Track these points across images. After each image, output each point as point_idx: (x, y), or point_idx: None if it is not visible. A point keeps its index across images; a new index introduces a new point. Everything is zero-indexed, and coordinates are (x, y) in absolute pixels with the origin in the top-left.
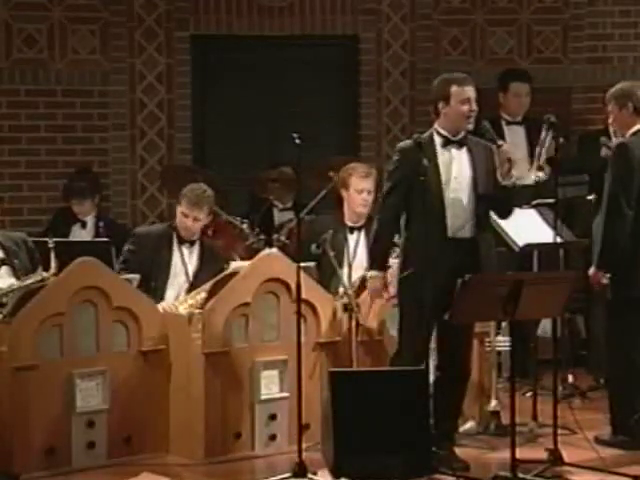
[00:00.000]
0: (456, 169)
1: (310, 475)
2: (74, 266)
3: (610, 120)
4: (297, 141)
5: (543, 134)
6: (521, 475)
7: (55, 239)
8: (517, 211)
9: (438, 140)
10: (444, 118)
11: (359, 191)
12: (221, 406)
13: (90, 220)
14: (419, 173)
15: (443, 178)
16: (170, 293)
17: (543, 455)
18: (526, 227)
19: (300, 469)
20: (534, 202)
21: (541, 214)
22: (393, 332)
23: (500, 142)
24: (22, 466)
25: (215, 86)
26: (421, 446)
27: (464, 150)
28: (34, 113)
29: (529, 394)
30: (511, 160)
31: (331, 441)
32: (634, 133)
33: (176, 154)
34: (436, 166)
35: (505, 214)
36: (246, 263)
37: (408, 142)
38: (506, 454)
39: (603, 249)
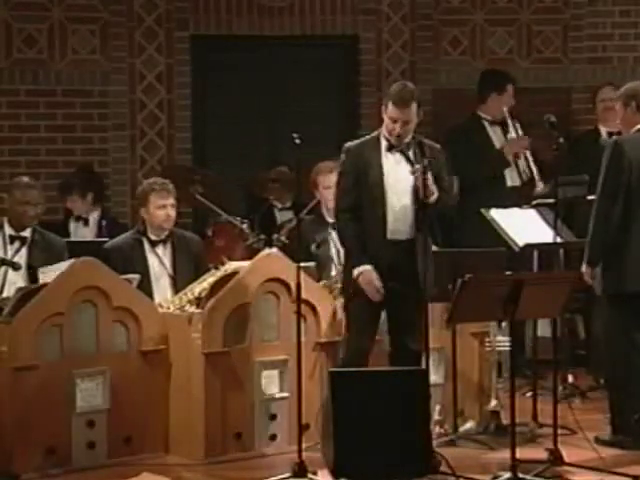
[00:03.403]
0: (399, 173)
1: (310, 475)
2: (74, 266)
3: (618, 120)
4: (297, 141)
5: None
6: (521, 475)
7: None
8: (517, 211)
9: (384, 143)
10: (385, 123)
11: (328, 187)
12: (221, 406)
13: (92, 218)
14: (364, 174)
15: (386, 181)
16: (158, 298)
17: (543, 455)
18: (526, 227)
19: (300, 469)
20: (534, 202)
21: (541, 214)
22: None
23: (416, 167)
24: (22, 466)
25: (215, 86)
26: (421, 446)
27: (410, 154)
28: (34, 113)
29: (529, 394)
30: (426, 186)
31: (331, 441)
32: (637, 131)
33: (176, 154)
34: (380, 169)
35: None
36: (246, 263)
37: (355, 142)
38: (506, 454)
39: (591, 245)
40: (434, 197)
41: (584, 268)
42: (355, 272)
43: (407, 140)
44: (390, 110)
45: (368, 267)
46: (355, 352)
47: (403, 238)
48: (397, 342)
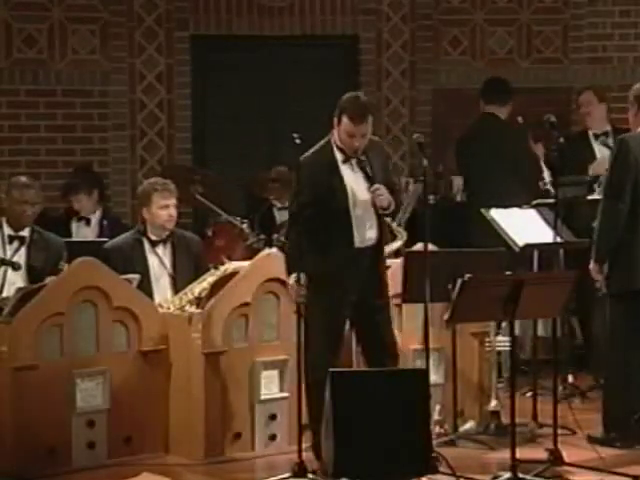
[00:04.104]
0: (358, 181)
1: (310, 475)
2: (74, 266)
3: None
4: (297, 141)
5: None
6: (521, 475)
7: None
8: (517, 211)
9: (339, 155)
10: (338, 134)
11: None
12: (221, 406)
13: (94, 218)
14: (323, 186)
15: (348, 192)
16: (157, 298)
17: (543, 455)
18: (526, 227)
19: (300, 469)
20: (534, 202)
21: (541, 214)
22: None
23: (376, 186)
24: (22, 466)
25: (215, 86)
26: (421, 446)
27: (368, 169)
28: (34, 113)
29: (529, 394)
30: (381, 205)
31: (331, 441)
32: None
33: (176, 154)
34: (340, 179)
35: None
36: (246, 263)
37: (310, 156)
38: (506, 454)
39: (598, 243)
40: (392, 207)
41: (592, 265)
42: (292, 277)
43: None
44: (346, 125)
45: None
46: (321, 367)
47: (369, 245)
48: (371, 344)
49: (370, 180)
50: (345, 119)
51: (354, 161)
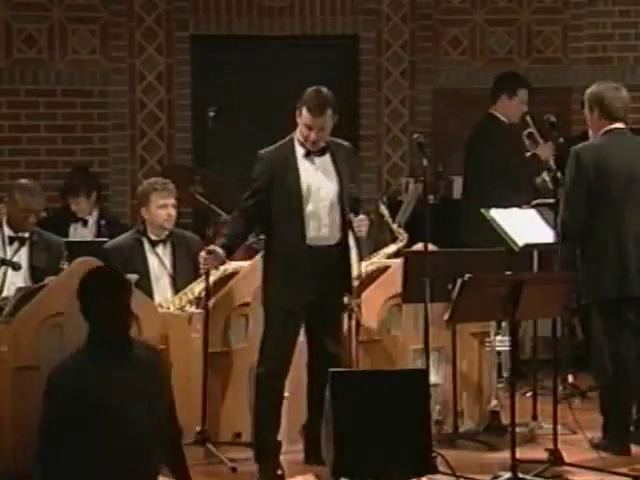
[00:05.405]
0: (319, 178)
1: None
2: (74, 266)
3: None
4: (211, 114)
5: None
6: (521, 475)
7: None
8: (517, 211)
9: (300, 149)
10: (300, 128)
11: None
12: (221, 406)
13: (91, 219)
14: (279, 181)
15: (304, 189)
16: (157, 298)
17: (543, 455)
18: (526, 227)
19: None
20: (534, 202)
21: (541, 214)
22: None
23: (361, 217)
24: (22, 466)
25: (215, 86)
26: (421, 446)
27: (327, 158)
28: (34, 113)
29: (529, 394)
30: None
31: (331, 441)
32: (604, 134)
33: (176, 154)
34: (297, 175)
35: None
36: (246, 263)
37: (270, 150)
38: (506, 454)
39: (561, 249)
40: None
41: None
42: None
43: (322, 144)
44: (305, 117)
45: (223, 253)
46: (273, 365)
47: (325, 244)
48: (316, 346)
49: (339, 176)
50: (304, 111)
51: (320, 157)
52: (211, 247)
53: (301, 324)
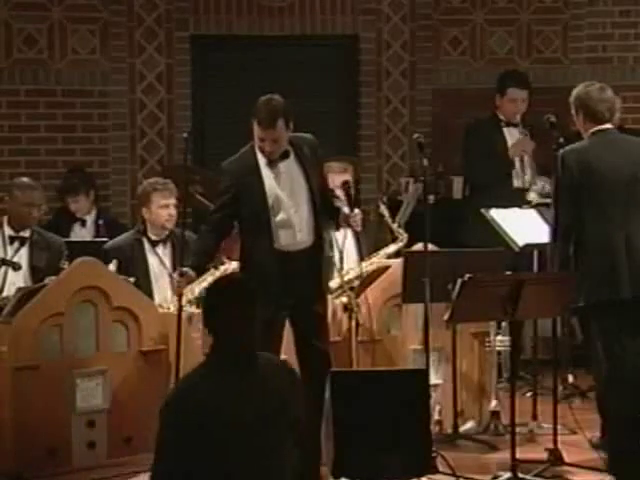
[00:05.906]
0: (286, 186)
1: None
2: (74, 266)
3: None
4: (184, 135)
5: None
6: (521, 475)
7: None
8: (517, 211)
9: (262, 159)
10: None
11: (336, 187)
12: None
13: (90, 219)
14: (245, 191)
15: (270, 201)
16: (158, 298)
17: (543, 455)
18: (526, 227)
19: None
20: (534, 202)
21: (541, 214)
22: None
23: (356, 212)
24: (22, 466)
25: (215, 86)
26: (421, 446)
27: (292, 160)
28: (34, 113)
29: (529, 394)
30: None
31: (331, 441)
32: (592, 134)
33: (176, 154)
34: (260, 182)
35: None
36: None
37: (232, 161)
38: (506, 454)
39: (554, 251)
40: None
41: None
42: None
43: (281, 151)
44: (256, 130)
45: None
46: None
47: (302, 248)
48: (303, 343)
49: (307, 177)
50: (255, 124)
51: (283, 161)
52: (184, 269)
53: (283, 326)
